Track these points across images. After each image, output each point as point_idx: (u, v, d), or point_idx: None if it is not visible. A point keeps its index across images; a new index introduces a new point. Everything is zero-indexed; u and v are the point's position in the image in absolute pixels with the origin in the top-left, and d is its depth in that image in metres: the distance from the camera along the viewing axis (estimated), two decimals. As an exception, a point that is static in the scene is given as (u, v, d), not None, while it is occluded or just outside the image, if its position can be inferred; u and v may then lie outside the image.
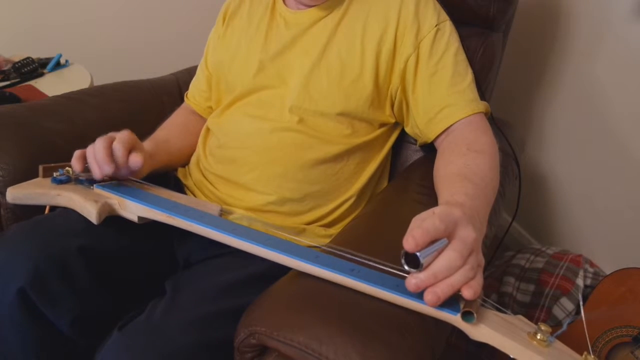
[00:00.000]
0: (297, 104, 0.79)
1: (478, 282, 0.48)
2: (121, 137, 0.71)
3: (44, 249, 0.65)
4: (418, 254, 0.46)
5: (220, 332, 0.59)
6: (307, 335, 0.50)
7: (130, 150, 0.71)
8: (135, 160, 0.70)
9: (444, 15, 0.82)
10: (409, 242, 0.46)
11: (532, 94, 1.42)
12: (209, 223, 0.63)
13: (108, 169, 0.68)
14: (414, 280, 0.48)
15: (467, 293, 0.47)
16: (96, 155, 0.68)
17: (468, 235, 0.49)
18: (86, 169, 0.71)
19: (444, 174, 0.68)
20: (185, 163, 0.92)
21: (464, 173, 0.65)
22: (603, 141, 1.23)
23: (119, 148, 0.69)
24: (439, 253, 0.48)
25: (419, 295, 0.52)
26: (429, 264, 0.48)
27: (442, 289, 0.47)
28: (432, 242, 0.48)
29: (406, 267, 0.48)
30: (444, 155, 0.73)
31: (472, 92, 0.79)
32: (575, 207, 1.36)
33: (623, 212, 1.21)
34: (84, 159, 0.71)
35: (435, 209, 0.51)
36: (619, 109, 1.18)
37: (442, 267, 0.47)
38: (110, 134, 0.72)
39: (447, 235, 0.49)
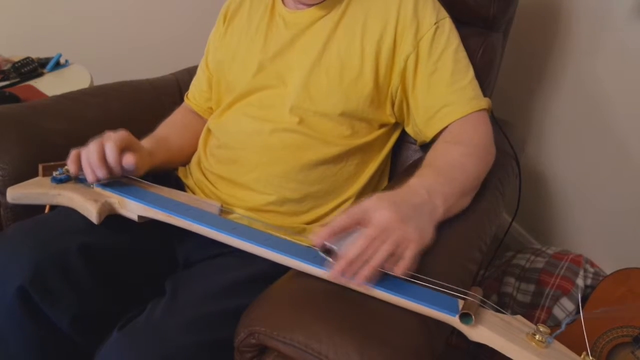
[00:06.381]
0: (297, 104, 0.79)
1: (407, 256, 0.54)
2: (114, 138, 0.70)
3: (44, 247, 0.65)
4: (332, 245, 0.53)
5: (220, 332, 0.59)
6: (307, 334, 0.50)
7: (123, 150, 0.71)
8: (129, 160, 0.69)
9: (443, 13, 0.82)
10: (313, 239, 0.55)
11: (532, 93, 1.42)
12: (209, 222, 0.64)
13: (101, 174, 0.68)
14: (334, 270, 0.53)
15: (397, 269, 0.54)
16: (89, 160, 0.68)
17: (379, 217, 0.55)
18: None
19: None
20: (185, 162, 0.92)
21: (429, 160, 0.72)
22: (603, 141, 1.23)
23: (111, 150, 0.68)
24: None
25: (418, 296, 0.52)
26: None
27: (363, 268, 0.53)
28: (349, 233, 0.55)
29: (328, 258, 0.55)
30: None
31: (473, 90, 0.79)
32: (575, 207, 1.35)
33: (623, 212, 1.20)
34: (79, 160, 0.70)
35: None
36: (619, 109, 1.18)
37: (352, 252, 0.53)
38: (106, 135, 0.71)
39: (360, 224, 0.55)
